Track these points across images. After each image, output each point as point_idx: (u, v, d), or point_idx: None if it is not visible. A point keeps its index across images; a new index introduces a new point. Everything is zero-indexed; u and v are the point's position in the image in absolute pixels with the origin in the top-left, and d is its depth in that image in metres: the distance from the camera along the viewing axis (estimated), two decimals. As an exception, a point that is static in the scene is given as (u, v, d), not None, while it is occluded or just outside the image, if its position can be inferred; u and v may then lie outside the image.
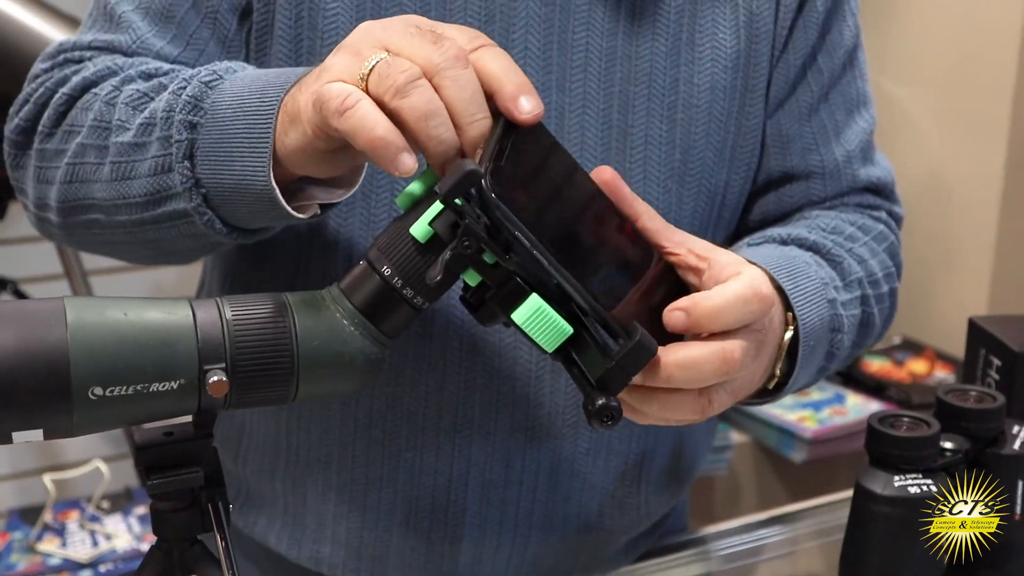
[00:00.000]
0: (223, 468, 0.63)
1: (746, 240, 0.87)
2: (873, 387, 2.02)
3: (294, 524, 0.91)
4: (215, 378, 0.58)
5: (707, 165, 0.86)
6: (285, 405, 0.68)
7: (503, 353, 0.83)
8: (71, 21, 1.56)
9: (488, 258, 0.59)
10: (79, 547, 1.84)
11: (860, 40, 0.93)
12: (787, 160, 0.90)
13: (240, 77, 0.70)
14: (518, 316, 0.60)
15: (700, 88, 0.84)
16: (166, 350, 0.57)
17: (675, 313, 0.64)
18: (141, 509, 1.94)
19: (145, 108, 0.73)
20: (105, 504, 1.96)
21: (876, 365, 2.07)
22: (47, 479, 1.88)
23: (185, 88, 0.70)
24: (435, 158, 0.60)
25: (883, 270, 0.88)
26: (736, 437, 2.04)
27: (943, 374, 2.02)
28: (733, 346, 0.65)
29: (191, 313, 0.59)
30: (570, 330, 0.61)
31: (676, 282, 0.69)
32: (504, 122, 0.61)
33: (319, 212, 0.70)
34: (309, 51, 0.79)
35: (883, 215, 0.93)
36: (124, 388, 0.56)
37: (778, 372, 0.74)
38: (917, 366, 2.05)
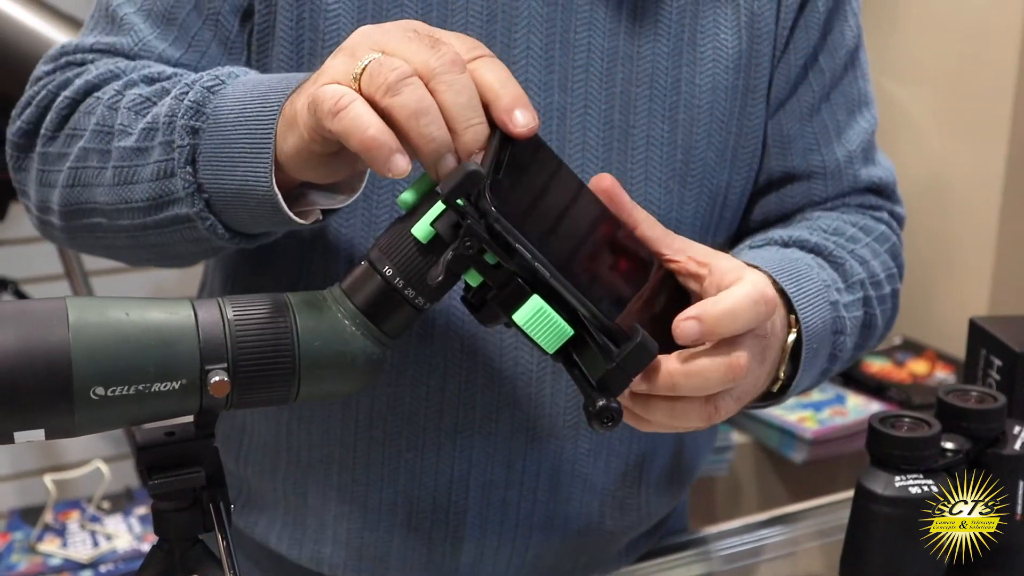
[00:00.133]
0: (224, 468, 0.63)
1: (747, 242, 0.87)
2: (874, 388, 2.02)
3: (295, 524, 0.91)
4: (217, 378, 0.58)
5: (709, 165, 0.86)
6: (286, 405, 0.68)
7: (504, 354, 0.83)
8: (71, 21, 1.56)
9: (489, 258, 0.59)
10: (80, 547, 1.84)
11: (862, 40, 0.93)
12: (788, 160, 0.90)
13: (242, 82, 0.70)
14: (519, 317, 0.60)
15: (702, 88, 0.84)
16: (168, 350, 0.57)
17: (687, 323, 0.63)
18: (142, 509, 1.94)
19: (147, 113, 0.73)
20: (106, 504, 1.96)
21: (877, 366, 2.07)
22: (48, 479, 1.88)
23: (187, 93, 0.70)
24: (426, 157, 0.59)
25: (885, 271, 0.88)
26: (737, 437, 2.04)
27: (943, 375, 2.02)
28: (739, 353, 0.65)
29: (193, 313, 0.59)
30: (571, 331, 0.61)
31: (677, 289, 0.69)
32: (500, 134, 0.61)
33: (321, 218, 0.69)
34: (311, 52, 0.79)
35: (885, 216, 0.93)
36: (126, 388, 0.56)
37: (782, 375, 0.74)
38: (918, 367, 2.05)
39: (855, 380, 2.05)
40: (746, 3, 0.85)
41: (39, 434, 0.56)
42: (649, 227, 0.69)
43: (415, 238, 0.60)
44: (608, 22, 0.82)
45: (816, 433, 1.90)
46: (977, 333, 0.96)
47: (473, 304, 0.63)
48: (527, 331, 0.60)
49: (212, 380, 0.58)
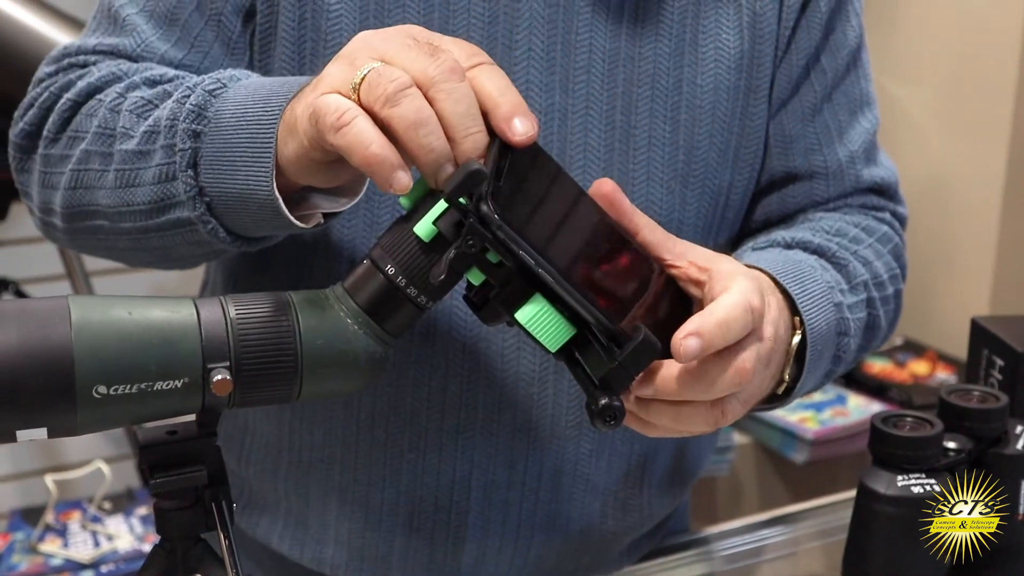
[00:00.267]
0: (226, 468, 0.63)
1: (750, 244, 0.87)
2: (875, 388, 2.02)
3: (297, 525, 0.91)
4: (219, 377, 0.58)
5: (711, 166, 0.86)
6: (288, 405, 0.68)
7: (506, 355, 0.83)
8: (73, 22, 1.56)
9: (492, 257, 0.59)
10: (81, 548, 1.84)
11: (864, 40, 0.93)
12: (790, 160, 0.90)
13: (244, 86, 0.70)
14: (521, 316, 0.60)
15: (704, 89, 0.84)
16: (170, 348, 0.57)
17: (689, 340, 0.62)
18: (143, 509, 1.94)
19: (149, 116, 0.73)
20: (107, 504, 1.96)
21: (878, 366, 2.07)
22: (49, 480, 1.88)
23: (189, 96, 0.70)
24: (426, 167, 0.59)
25: (888, 272, 0.88)
26: (738, 438, 2.04)
27: (945, 375, 2.02)
28: (744, 356, 0.65)
29: (195, 312, 0.59)
30: (573, 330, 0.61)
31: (678, 293, 0.69)
32: (500, 142, 0.61)
33: (322, 221, 0.69)
34: (312, 53, 0.79)
35: (887, 216, 0.93)
36: (128, 387, 0.56)
37: (786, 377, 0.74)
38: (919, 367, 2.05)
39: (856, 381, 2.04)
40: (748, 3, 0.85)
41: (41, 433, 0.56)
42: (650, 232, 0.69)
43: (417, 237, 0.60)
44: (609, 23, 0.82)
45: (817, 434, 1.90)
46: (979, 333, 0.96)
47: (475, 303, 0.63)
48: (529, 330, 0.60)
49: (214, 379, 0.58)
